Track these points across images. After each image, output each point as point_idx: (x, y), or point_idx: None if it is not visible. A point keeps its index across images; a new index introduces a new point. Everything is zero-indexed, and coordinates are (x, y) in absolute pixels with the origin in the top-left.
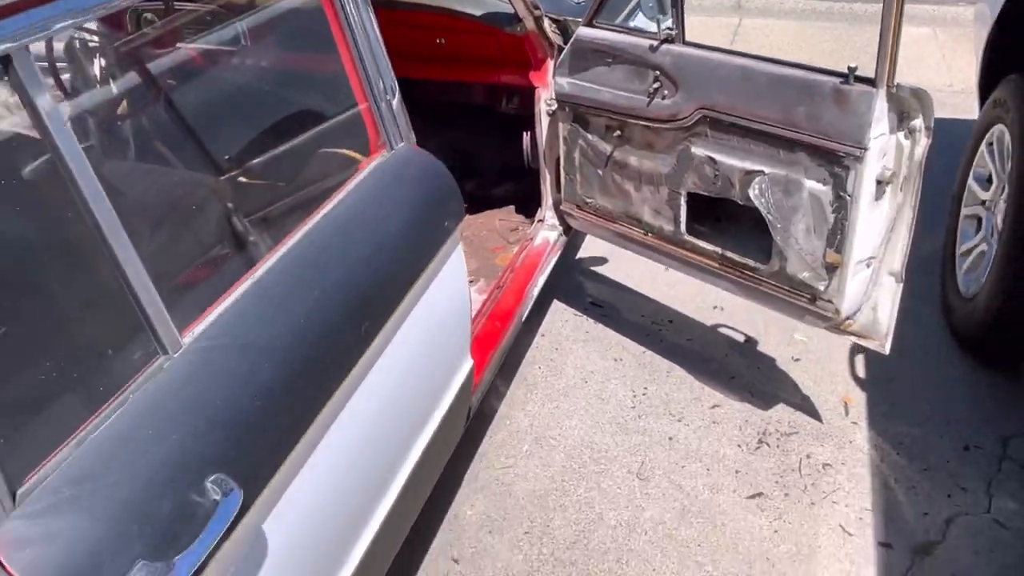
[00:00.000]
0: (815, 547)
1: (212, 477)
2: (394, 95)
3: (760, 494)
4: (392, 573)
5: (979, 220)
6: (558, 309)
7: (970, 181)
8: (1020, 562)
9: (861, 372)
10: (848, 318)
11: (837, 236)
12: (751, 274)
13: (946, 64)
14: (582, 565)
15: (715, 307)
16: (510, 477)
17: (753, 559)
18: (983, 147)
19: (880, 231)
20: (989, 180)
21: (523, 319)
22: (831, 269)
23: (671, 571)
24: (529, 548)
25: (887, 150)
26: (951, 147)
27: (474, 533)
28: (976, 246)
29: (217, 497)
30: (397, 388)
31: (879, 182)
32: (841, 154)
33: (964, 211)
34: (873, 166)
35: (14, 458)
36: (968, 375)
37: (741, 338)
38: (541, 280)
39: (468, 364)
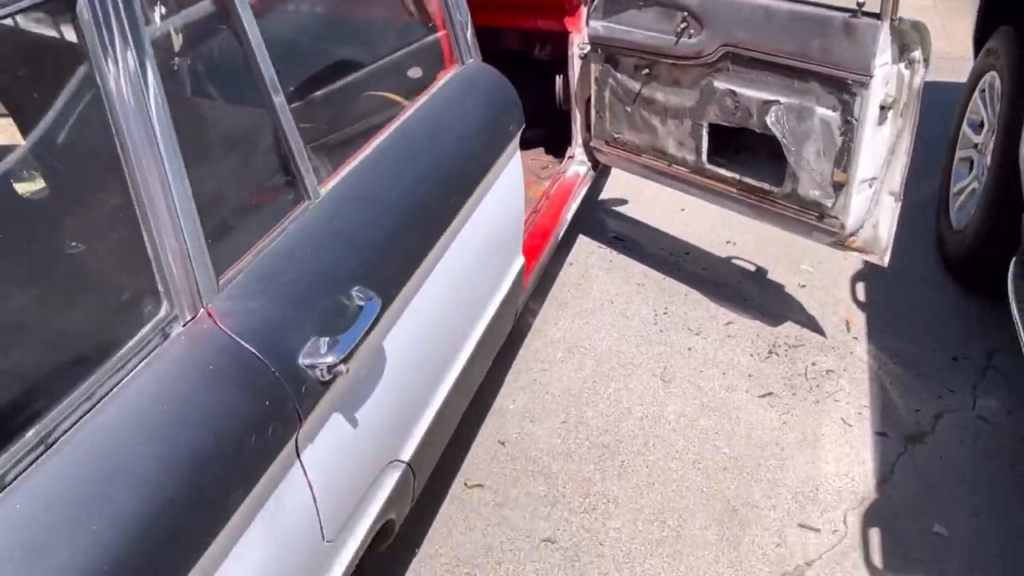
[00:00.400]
0: (819, 435)
1: (355, 288)
2: (467, 21)
3: (770, 393)
4: (448, 451)
5: (971, 162)
6: (584, 242)
7: (964, 127)
8: (999, 450)
9: (861, 296)
10: (852, 234)
11: (844, 157)
12: (765, 197)
13: (945, 33)
14: (613, 448)
15: (727, 242)
16: (546, 378)
17: (765, 444)
18: (976, 95)
19: (882, 153)
20: (981, 125)
21: (559, 238)
22: (838, 187)
23: (692, 453)
24: (566, 434)
25: (889, 78)
26: (949, 108)
27: (517, 422)
28: (967, 185)
29: (361, 302)
30: (474, 262)
31: (882, 107)
32: (849, 82)
33: (958, 154)
34: (877, 92)
35: (218, 257)
36: (958, 300)
37: (752, 268)
38: (574, 206)
39: (520, 260)
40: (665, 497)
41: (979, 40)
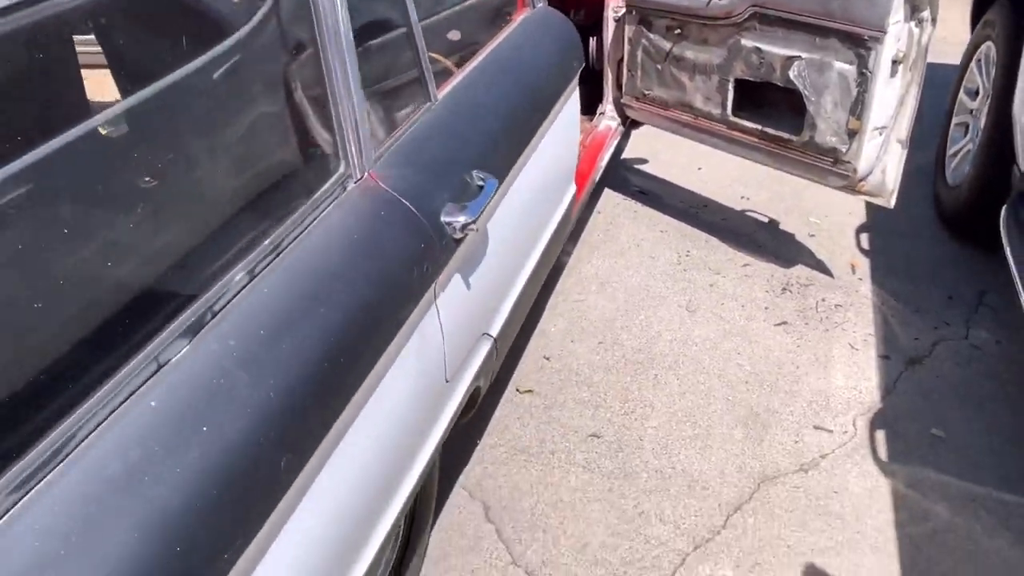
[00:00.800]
0: (830, 357)
1: (474, 171)
2: None
3: (785, 323)
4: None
5: (966, 127)
6: (610, 195)
7: (960, 95)
8: (989, 372)
9: (865, 245)
10: (862, 179)
11: (859, 106)
12: (785, 145)
13: (941, 19)
14: (647, 364)
15: (742, 197)
16: (583, 307)
17: (781, 363)
18: (972, 65)
19: (892, 104)
20: (976, 93)
21: (596, 182)
22: (852, 135)
23: (717, 369)
24: (604, 352)
25: (901, 35)
26: (944, 86)
27: (559, 341)
28: (963, 147)
29: (481, 182)
30: (549, 171)
31: (894, 62)
32: (866, 37)
33: (955, 120)
34: (890, 47)
35: (375, 133)
36: (952, 250)
37: (765, 219)
38: (606, 156)
39: (573, 187)
40: (695, 404)
41: (976, 15)
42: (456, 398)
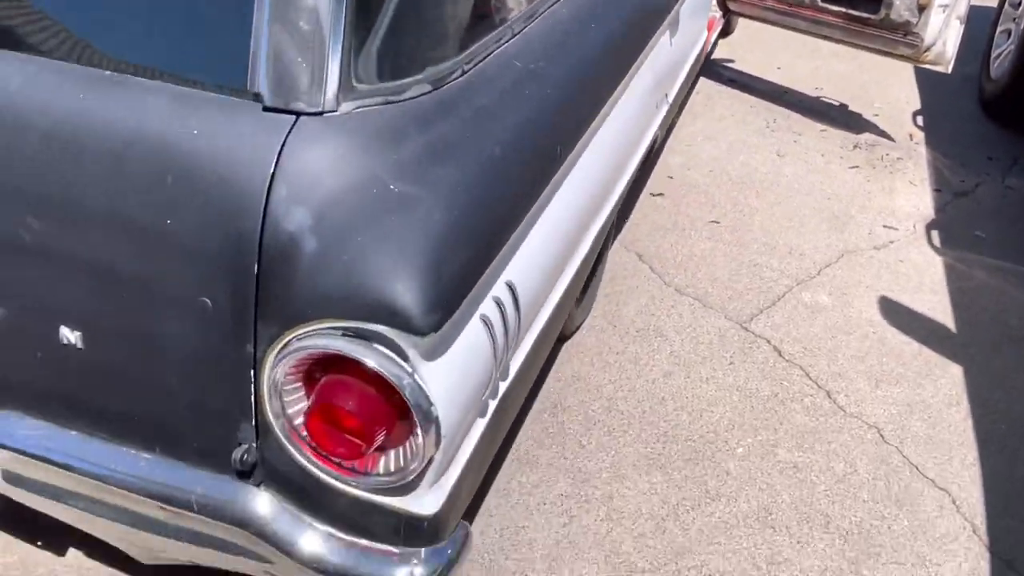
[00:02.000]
0: (894, 188)
1: None
2: None
3: (857, 167)
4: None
5: (1009, 32)
6: (705, 82)
7: (1006, 6)
8: (1020, 202)
9: (920, 123)
10: (927, 48)
11: None
12: (864, 23)
13: None
14: (748, 185)
15: (816, 88)
16: (693, 150)
17: (855, 191)
18: None
19: None
20: (1019, 4)
21: (710, 54)
22: (921, 9)
23: (804, 190)
24: (714, 176)
25: None
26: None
27: (678, 169)
28: (1005, 50)
29: None
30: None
31: None
32: None
33: (999, 28)
34: None
35: None
36: (993, 129)
37: (836, 103)
38: (713, 37)
39: (706, 32)
40: (790, 208)
41: None
42: (654, 128)
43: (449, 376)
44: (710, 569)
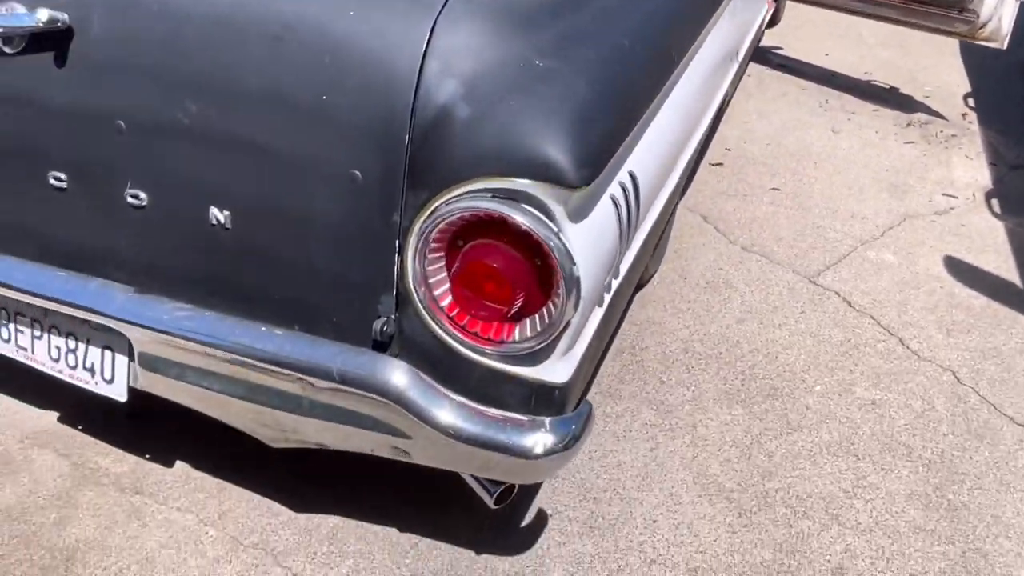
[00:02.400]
0: (951, 161)
1: None
2: None
3: (912, 142)
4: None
5: None
6: (756, 67)
7: None
8: None
9: (972, 104)
10: (983, 25)
11: None
12: (920, 2)
13: None
14: (805, 158)
15: (865, 72)
16: (748, 126)
17: (912, 164)
18: None
19: None
20: None
21: (758, 42)
22: None
23: (861, 163)
24: (771, 149)
25: None
26: None
27: (735, 143)
28: None
29: None
30: None
31: None
32: None
33: None
34: None
35: None
36: None
37: (887, 86)
38: (766, 19)
39: (766, 5)
40: (849, 177)
41: None
42: (728, 79)
43: (587, 242)
44: (797, 491)
